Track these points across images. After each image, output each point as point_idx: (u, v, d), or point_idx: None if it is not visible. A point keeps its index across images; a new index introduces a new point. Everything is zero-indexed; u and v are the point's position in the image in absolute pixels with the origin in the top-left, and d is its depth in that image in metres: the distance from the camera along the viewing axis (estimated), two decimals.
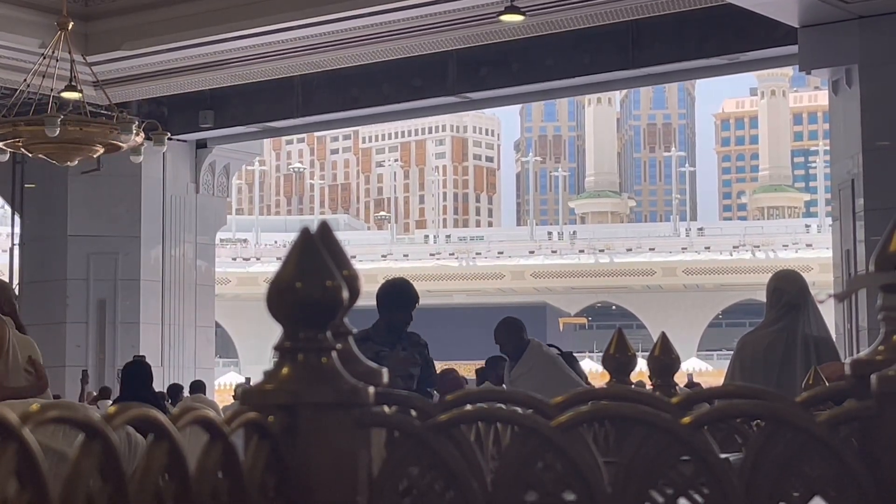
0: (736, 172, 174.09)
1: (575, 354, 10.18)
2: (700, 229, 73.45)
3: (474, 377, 22.72)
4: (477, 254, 66.72)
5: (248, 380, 29.15)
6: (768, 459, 1.32)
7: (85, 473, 1.03)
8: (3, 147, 12.17)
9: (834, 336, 9.66)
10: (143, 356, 13.24)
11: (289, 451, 1.25)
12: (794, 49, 12.78)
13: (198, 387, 16.68)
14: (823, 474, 1.32)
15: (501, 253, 66.35)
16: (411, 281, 7.45)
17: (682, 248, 64.42)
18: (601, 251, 65.44)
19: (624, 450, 1.35)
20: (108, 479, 1.06)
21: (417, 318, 6.87)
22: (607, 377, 2.40)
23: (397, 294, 7.12)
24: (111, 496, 1.06)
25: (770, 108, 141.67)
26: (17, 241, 19.37)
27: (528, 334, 8.34)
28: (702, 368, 46.91)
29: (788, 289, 6.63)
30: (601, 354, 2.46)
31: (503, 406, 1.44)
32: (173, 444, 1.12)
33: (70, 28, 12.22)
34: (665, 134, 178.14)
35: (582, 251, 66.08)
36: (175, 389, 16.47)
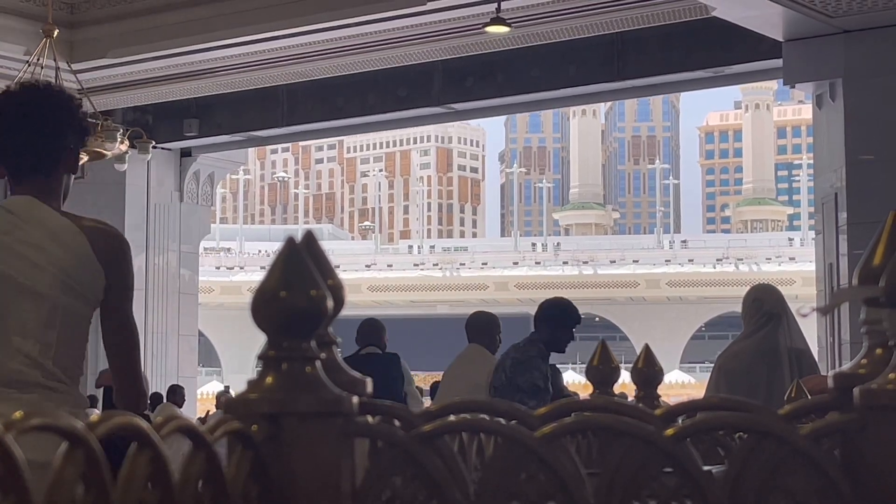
0: (720, 185, 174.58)
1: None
2: (684, 242, 73.52)
3: None
4: (461, 264, 66.66)
5: (227, 388, 29.13)
6: (751, 471, 1.32)
7: (68, 481, 1.03)
8: None
9: (816, 349, 9.70)
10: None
11: (272, 461, 1.25)
12: (778, 63, 12.83)
13: (157, 399, 16.42)
14: (806, 487, 1.33)
15: (485, 264, 66.30)
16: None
17: (666, 261, 64.45)
18: (585, 263, 65.44)
19: (607, 461, 1.36)
20: (90, 488, 1.05)
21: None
22: (590, 388, 2.40)
23: (562, 313, 7.39)
24: None
25: (754, 121, 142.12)
26: None
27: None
28: (684, 380, 46.97)
29: (767, 299, 6.66)
30: (584, 366, 2.47)
31: (487, 417, 1.44)
32: (156, 452, 1.12)
33: (55, 35, 12.20)
34: (649, 146, 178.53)
35: (566, 263, 66.07)
36: (156, 398, 16.43)
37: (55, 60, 12.17)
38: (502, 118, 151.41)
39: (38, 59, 12.19)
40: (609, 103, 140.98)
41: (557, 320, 7.33)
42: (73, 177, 3.45)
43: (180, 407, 16.30)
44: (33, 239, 3.19)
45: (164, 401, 16.39)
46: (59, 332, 3.21)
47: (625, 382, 2.66)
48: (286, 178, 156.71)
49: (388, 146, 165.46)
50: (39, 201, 3.28)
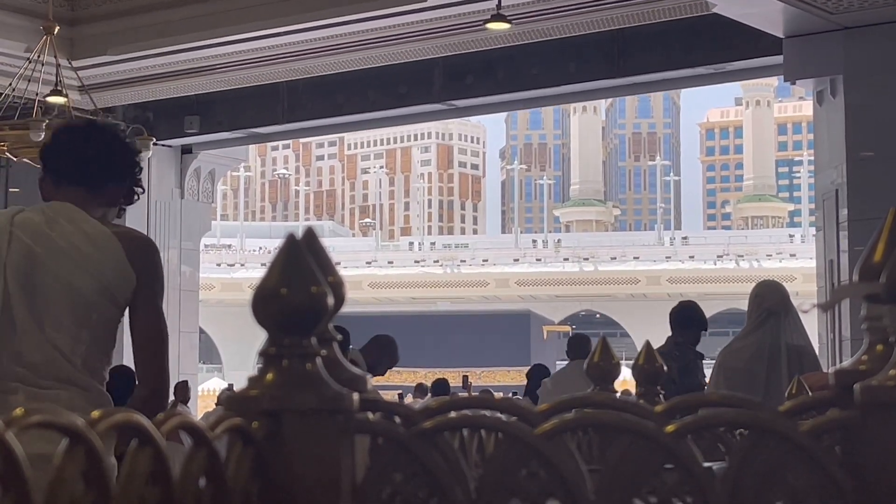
0: (720, 182, 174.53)
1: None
2: (684, 238, 73.51)
3: (459, 384, 22.79)
4: (461, 261, 66.67)
5: (230, 385, 29.11)
6: (752, 468, 1.32)
7: (69, 479, 1.03)
8: None
9: (817, 346, 9.69)
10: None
11: (273, 458, 1.25)
12: (779, 59, 12.82)
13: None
14: (807, 483, 1.33)
15: (486, 260, 66.30)
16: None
17: (667, 257, 64.45)
18: (585, 259, 65.45)
19: (608, 458, 1.36)
20: (91, 485, 1.05)
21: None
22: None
23: (701, 316, 7.85)
24: (94, 502, 1.06)
25: (754, 117, 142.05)
26: None
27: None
28: None
29: (769, 295, 6.67)
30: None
31: (487, 413, 1.44)
32: (157, 449, 1.12)
33: (56, 32, 12.19)
34: (650, 143, 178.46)
35: (566, 259, 66.08)
36: None
37: (56, 57, 12.16)
38: (503, 115, 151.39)
39: (39, 56, 12.18)
40: (609, 100, 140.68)
41: (699, 323, 7.72)
42: (111, 211, 3.67)
43: (186, 403, 16.30)
44: (72, 239, 3.40)
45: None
46: (90, 332, 3.38)
47: (625, 379, 2.66)
48: (287, 175, 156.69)
49: (388, 143, 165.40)
50: (75, 206, 3.50)
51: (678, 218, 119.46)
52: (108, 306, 3.39)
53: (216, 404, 18.79)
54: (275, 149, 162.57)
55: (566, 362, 10.46)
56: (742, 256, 62.77)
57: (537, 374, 12.72)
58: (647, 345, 2.37)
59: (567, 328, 56.38)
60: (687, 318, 7.74)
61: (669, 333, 7.70)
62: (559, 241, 77.05)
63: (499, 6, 12.11)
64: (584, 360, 7.96)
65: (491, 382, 36.99)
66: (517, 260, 66.38)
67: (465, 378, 22.56)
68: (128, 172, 3.70)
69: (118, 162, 3.68)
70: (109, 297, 3.39)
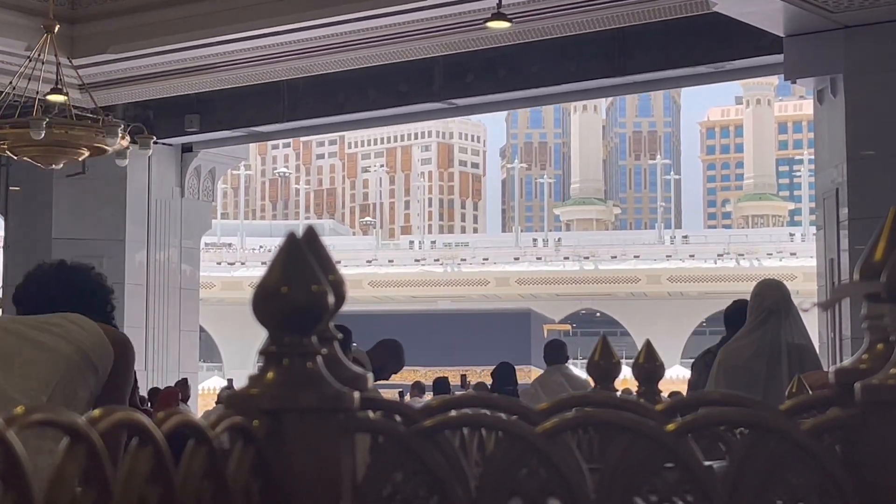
0: (721, 181, 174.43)
1: (569, 364, 10.38)
2: (685, 237, 73.48)
3: (458, 382, 22.80)
4: (462, 260, 66.65)
5: (230, 382, 29.11)
6: (752, 467, 1.32)
7: (69, 477, 1.03)
8: None
9: (817, 345, 9.68)
10: None
11: (273, 456, 1.25)
12: (779, 58, 12.82)
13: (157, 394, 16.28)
14: (807, 482, 1.33)
15: (486, 259, 66.27)
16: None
17: (667, 256, 64.41)
18: (586, 258, 65.40)
19: (608, 456, 1.36)
20: (91, 483, 1.05)
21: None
22: (591, 384, 2.40)
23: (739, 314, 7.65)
24: (95, 500, 1.06)
25: (755, 116, 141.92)
26: (1, 243, 19.31)
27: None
28: (685, 376, 46.95)
29: (769, 294, 6.66)
30: (585, 361, 2.47)
31: (488, 412, 1.44)
32: (158, 448, 1.12)
33: (56, 31, 12.20)
34: (650, 142, 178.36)
35: (567, 258, 66.04)
36: (155, 393, 16.41)
37: (56, 56, 12.16)
38: (503, 113, 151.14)
39: (39, 55, 12.18)
40: (610, 98, 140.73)
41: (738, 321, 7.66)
42: None
43: (186, 401, 16.31)
44: (53, 320, 3.50)
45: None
46: (60, 379, 3.40)
47: (626, 378, 2.66)
48: (287, 174, 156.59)
49: (389, 141, 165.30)
50: None
51: (678, 217, 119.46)
52: (85, 369, 3.42)
53: (216, 402, 18.80)
54: (275, 147, 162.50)
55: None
56: (742, 255, 62.73)
57: (504, 372, 12.73)
58: (648, 343, 2.37)
59: (567, 327, 56.33)
60: (742, 316, 7.66)
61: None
62: (559, 239, 77.00)
63: (499, 5, 12.10)
64: (561, 364, 8.10)
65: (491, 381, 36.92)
66: (517, 259, 66.34)
67: (464, 377, 22.55)
68: (99, 308, 3.77)
69: (90, 298, 3.79)
70: (87, 361, 3.42)
